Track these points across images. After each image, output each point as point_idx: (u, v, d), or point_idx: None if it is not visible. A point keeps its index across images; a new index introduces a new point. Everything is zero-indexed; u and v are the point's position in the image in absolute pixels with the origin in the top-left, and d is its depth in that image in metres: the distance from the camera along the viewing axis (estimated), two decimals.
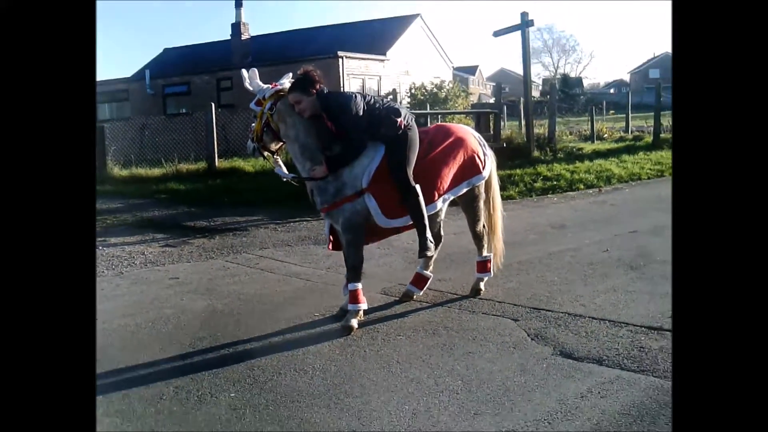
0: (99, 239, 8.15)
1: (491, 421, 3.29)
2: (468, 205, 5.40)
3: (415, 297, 5.49)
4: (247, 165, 13.88)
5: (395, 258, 6.91)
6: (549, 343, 4.34)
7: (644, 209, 9.35)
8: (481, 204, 5.41)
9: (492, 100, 21.05)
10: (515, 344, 4.35)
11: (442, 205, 5.15)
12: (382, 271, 6.36)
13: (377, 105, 4.91)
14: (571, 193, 11.48)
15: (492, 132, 14.56)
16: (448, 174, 5.07)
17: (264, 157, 5.15)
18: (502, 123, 16.68)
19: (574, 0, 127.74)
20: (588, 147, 16.63)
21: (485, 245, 5.54)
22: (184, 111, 25.60)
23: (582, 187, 11.85)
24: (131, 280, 6.42)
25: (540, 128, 16.89)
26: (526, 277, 5.96)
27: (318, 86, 4.80)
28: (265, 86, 4.96)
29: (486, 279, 5.58)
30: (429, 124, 15.63)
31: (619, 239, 7.38)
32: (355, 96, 4.83)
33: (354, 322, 4.81)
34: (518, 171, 12.46)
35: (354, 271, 4.94)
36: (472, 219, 5.44)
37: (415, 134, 4.94)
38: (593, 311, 4.91)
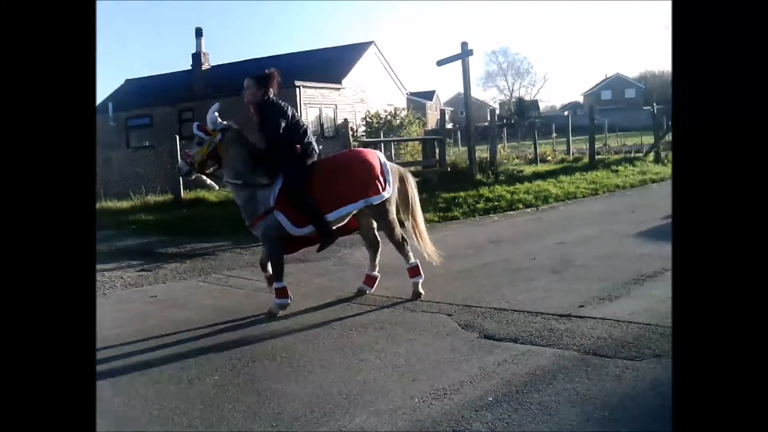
0: None
1: (426, 384, 4.19)
2: (377, 219, 6.44)
3: (367, 292, 6.58)
4: (211, 195, 14.67)
5: (348, 273, 7.79)
6: (475, 330, 5.28)
7: (574, 224, 10.42)
8: (390, 218, 6.39)
9: (450, 125, 22.03)
10: (448, 333, 5.28)
11: (333, 218, 6.18)
12: (336, 284, 7.27)
13: (300, 131, 6.23)
14: (510, 212, 12.52)
15: (437, 157, 15.59)
16: (345, 191, 6.13)
17: (199, 180, 6.35)
18: (448, 149, 17.65)
19: (527, 23, 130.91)
20: (529, 169, 17.77)
21: (409, 253, 6.50)
22: (147, 144, 25.86)
23: (521, 206, 12.91)
24: (115, 299, 7.22)
25: (484, 152, 17.93)
26: (462, 283, 6.91)
27: (270, 87, 6.14)
28: (213, 117, 6.15)
29: (421, 281, 6.50)
30: (382, 151, 16.63)
31: (546, 249, 8.39)
32: (284, 115, 6.11)
33: (278, 310, 6.07)
34: (462, 193, 13.48)
35: (277, 273, 6.18)
36: (386, 232, 6.44)
37: (308, 162, 6.21)
38: (515, 305, 5.86)
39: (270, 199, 6.06)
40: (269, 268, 6.37)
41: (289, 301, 6.19)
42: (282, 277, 6.19)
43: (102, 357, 5.08)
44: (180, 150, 14.48)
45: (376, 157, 6.45)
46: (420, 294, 6.42)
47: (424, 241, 6.68)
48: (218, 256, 9.52)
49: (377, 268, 6.67)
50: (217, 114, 6.19)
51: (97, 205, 14.61)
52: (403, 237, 6.50)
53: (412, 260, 6.51)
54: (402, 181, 6.56)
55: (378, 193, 6.21)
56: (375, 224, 6.54)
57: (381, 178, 6.26)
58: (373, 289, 6.65)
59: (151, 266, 8.96)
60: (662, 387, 3.85)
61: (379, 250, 6.70)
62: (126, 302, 7.07)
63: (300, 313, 6.12)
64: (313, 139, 6.39)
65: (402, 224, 6.66)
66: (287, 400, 4.08)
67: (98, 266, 8.94)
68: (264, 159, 6.17)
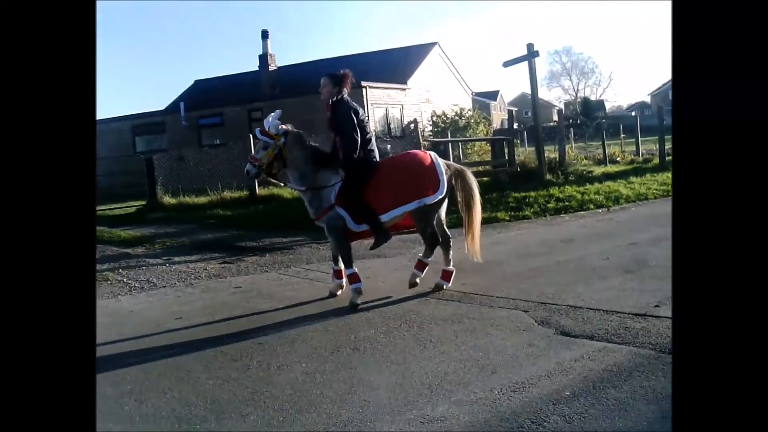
0: (164, 258, 9.40)
1: (505, 377, 4.35)
2: (420, 216, 6.67)
3: (444, 288, 6.80)
4: (285, 192, 15.05)
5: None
6: (552, 326, 5.41)
7: (646, 225, 10.37)
8: (431, 217, 6.73)
9: (515, 126, 22.00)
10: (525, 328, 5.42)
11: (388, 219, 6.54)
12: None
13: (365, 136, 6.64)
14: (581, 212, 12.51)
15: (507, 157, 15.65)
16: (401, 192, 6.50)
17: (266, 181, 6.70)
18: (516, 148, 17.66)
19: (591, 22, 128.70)
20: (598, 170, 17.64)
21: (431, 251, 6.93)
22: (218, 142, 26.37)
23: (592, 207, 12.88)
24: (201, 289, 7.58)
25: (554, 153, 17.89)
26: (537, 280, 7.02)
27: (344, 87, 6.58)
28: (275, 123, 6.59)
29: (445, 285, 6.85)
30: (449, 152, 16.81)
31: (619, 249, 8.42)
32: (356, 114, 6.54)
33: (358, 299, 6.42)
34: (532, 193, 13.55)
35: (346, 261, 6.63)
36: (422, 226, 6.77)
37: (368, 164, 6.61)
38: (590, 304, 5.96)
39: (332, 196, 6.51)
40: (340, 263, 6.78)
41: (362, 285, 6.58)
42: (352, 264, 6.61)
43: (194, 345, 5.43)
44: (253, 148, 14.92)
45: (429, 158, 6.72)
46: (415, 284, 6.88)
47: (475, 238, 6.94)
48: (296, 250, 9.83)
49: (451, 263, 6.90)
50: (278, 120, 6.64)
51: (176, 200, 15.17)
52: (434, 236, 6.84)
53: (429, 259, 6.98)
54: (461, 179, 6.85)
55: (432, 193, 6.52)
56: (432, 219, 6.78)
57: (435, 179, 6.55)
58: (450, 284, 6.84)
59: (232, 259, 9.33)
60: None
61: (451, 244, 6.93)
62: (212, 292, 7.43)
63: (380, 307, 6.37)
64: (374, 146, 6.78)
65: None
66: (372, 389, 4.29)
67: (183, 258, 9.37)
68: (326, 158, 6.67)
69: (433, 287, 6.84)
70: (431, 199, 6.52)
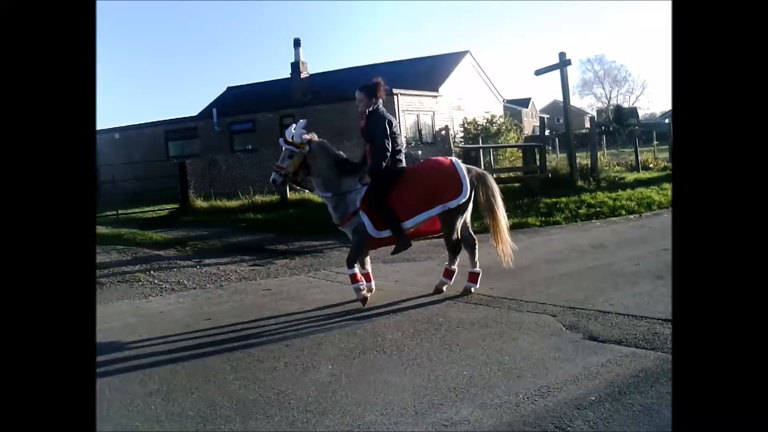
0: (195, 260, 9.49)
1: (530, 381, 4.33)
2: (444, 221, 6.75)
3: (472, 290, 6.85)
4: (315, 196, 15.08)
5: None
6: (580, 331, 5.37)
7: None
8: (456, 222, 6.77)
9: (547, 132, 21.95)
10: (552, 333, 5.39)
11: (412, 224, 6.68)
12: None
13: (396, 146, 6.75)
14: (613, 218, 12.42)
15: (538, 164, 15.60)
16: (425, 198, 6.63)
17: (291, 188, 6.76)
18: (547, 155, 17.60)
19: (623, 30, 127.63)
20: (630, 176, 17.46)
21: (455, 257, 6.96)
22: (250, 147, 26.66)
23: (624, 213, 12.76)
24: (231, 291, 7.65)
25: (586, 159, 17.79)
26: (566, 285, 6.98)
27: (379, 95, 6.74)
28: (301, 132, 6.74)
29: (446, 284, 7.00)
30: (481, 158, 16.80)
31: (650, 255, 8.33)
32: (390, 125, 6.66)
33: (357, 296, 6.65)
34: (563, 199, 13.47)
35: (351, 262, 6.70)
36: (447, 232, 6.81)
37: (394, 171, 6.70)
38: (620, 309, 5.91)
39: (357, 201, 6.61)
40: (367, 265, 6.97)
41: (362, 284, 6.70)
42: (354, 265, 6.72)
43: (222, 346, 5.48)
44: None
45: (451, 163, 6.87)
46: (441, 291, 6.97)
47: (503, 242, 6.98)
48: (325, 253, 9.88)
49: (477, 265, 6.92)
50: (303, 129, 6.77)
51: (207, 204, 15.31)
52: (458, 243, 6.90)
53: (454, 266, 7.01)
54: (482, 183, 6.89)
55: (455, 197, 6.62)
56: (457, 224, 6.80)
57: (458, 183, 6.66)
58: (477, 286, 6.85)
59: (262, 261, 9.40)
60: None
61: (476, 246, 6.97)
62: (242, 294, 7.48)
63: (408, 310, 6.39)
64: (403, 157, 6.88)
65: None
66: (397, 391, 4.29)
67: (214, 260, 9.46)
68: (349, 166, 6.80)
69: (461, 291, 6.84)
70: (454, 203, 6.61)
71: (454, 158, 7.09)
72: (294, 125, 6.80)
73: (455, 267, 6.97)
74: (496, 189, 6.97)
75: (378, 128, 6.63)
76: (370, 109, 6.72)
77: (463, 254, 6.95)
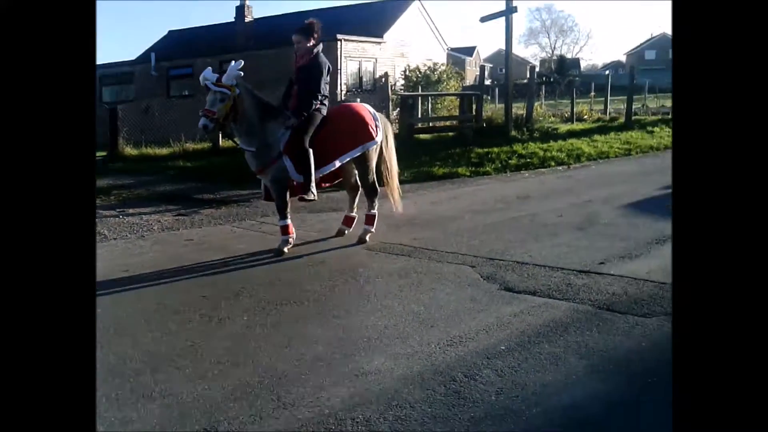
0: (119, 209, 9.27)
1: (443, 330, 4.39)
2: (360, 163, 6.95)
3: (369, 234, 7.10)
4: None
5: (378, 222, 7.96)
6: (497, 281, 5.45)
7: (603, 183, 10.48)
8: (372, 164, 7.04)
9: (489, 82, 21.97)
10: (470, 283, 5.46)
11: (339, 164, 6.86)
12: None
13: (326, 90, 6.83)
14: (542, 169, 12.58)
15: (474, 113, 15.63)
16: (344, 141, 6.80)
17: (225, 135, 6.62)
18: (485, 105, 17.67)
19: None
20: (564, 127, 17.68)
21: (374, 201, 7.16)
22: (186, 93, 26.04)
23: (553, 164, 12.95)
24: (152, 241, 7.51)
25: (522, 110, 17.90)
26: (488, 236, 7.06)
27: (316, 36, 6.68)
28: (235, 74, 6.44)
29: (370, 232, 7.11)
30: (418, 106, 16.76)
31: (574, 207, 8.49)
32: (328, 71, 6.75)
33: (285, 248, 6.64)
34: (495, 149, 13.54)
35: (281, 212, 6.75)
36: (363, 173, 7.02)
37: (318, 115, 6.73)
38: (538, 260, 6.01)
39: (281, 145, 6.58)
40: (353, 210, 7.25)
41: (293, 237, 6.78)
42: (286, 216, 6.76)
43: (138, 298, 5.39)
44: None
45: (363, 107, 7.20)
46: (365, 241, 7.01)
47: (393, 188, 7.31)
48: (252, 203, 9.76)
49: (356, 210, 7.29)
50: (239, 70, 6.46)
51: (137, 152, 14.96)
52: (375, 183, 7.15)
53: (374, 210, 7.18)
54: (385, 128, 7.18)
55: (372, 138, 6.90)
56: (372, 165, 7.03)
57: (372, 125, 6.93)
58: (374, 228, 7.11)
59: (187, 211, 9.24)
60: (667, 344, 4.00)
61: (378, 192, 7.20)
62: (163, 244, 7.35)
63: (329, 261, 6.38)
64: (326, 104, 6.93)
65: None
66: (311, 342, 4.30)
67: (137, 210, 9.28)
68: (272, 110, 6.73)
69: (359, 236, 7.07)
70: (372, 144, 6.91)
71: (366, 105, 7.34)
72: (231, 65, 6.48)
73: (375, 211, 7.11)
74: (391, 136, 7.32)
75: (317, 72, 6.66)
76: (313, 53, 6.69)
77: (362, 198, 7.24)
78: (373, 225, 7.10)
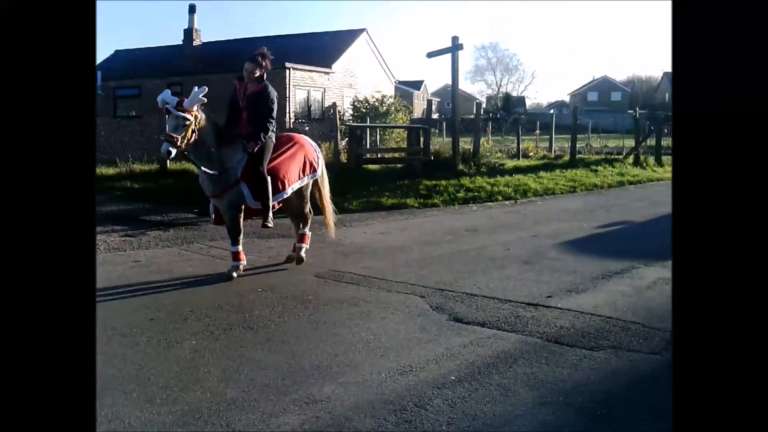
0: None
1: (393, 360, 4.41)
2: (299, 192, 7.14)
3: (303, 250, 7.29)
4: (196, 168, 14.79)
5: (327, 251, 7.99)
6: (446, 312, 5.50)
7: (549, 218, 10.68)
8: (308, 192, 7.33)
9: (436, 116, 22.22)
10: (419, 313, 5.50)
11: (290, 192, 6.98)
12: (315, 261, 7.43)
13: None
14: (489, 203, 12.76)
15: (422, 146, 15.79)
16: (293, 170, 6.90)
17: (183, 159, 6.58)
18: (433, 138, 17.87)
19: (518, 20, 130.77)
20: (511, 163, 18.00)
21: (308, 223, 7.38)
22: (134, 114, 25.70)
23: (500, 198, 13.15)
24: (99, 262, 7.34)
25: (469, 144, 18.16)
26: (437, 267, 7.12)
27: (266, 64, 6.79)
28: (200, 100, 6.39)
29: (304, 249, 7.27)
30: (367, 137, 16.88)
31: (521, 241, 8.63)
32: (275, 99, 6.90)
33: (235, 273, 6.66)
34: (443, 182, 13.68)
35: (234, 238, 6.80)
36: (301, 201, 7.23)
37: (271, 143, 6.85)
38: (486, 292, 6.09)
39: (238, 171, 6.60)
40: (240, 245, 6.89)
41: (244, 263, 6.83)
42: (239, 242, 6.81)
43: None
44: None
45: (309, 140, 7.49)
46: (302, 259, 7.19)
47: (328, 214, 7.70)
48: (201, 226, 9.67)
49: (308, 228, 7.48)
50: (203, 96, 6.38)
51: None
52: (310, 209, 7.44)
53: (307, 230, 7.37)
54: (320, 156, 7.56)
55: (315, 171, 7.24)
56: (308, 195, 7.33)
57: (315, 157, 7.26)
58: (307, 245, 7.38)
59: (134, 232, 9.12)
60: (615, 377, 4.12)
61: (309, 222, 7.42)
62: (109, 265, 7.22)
63: (278, 286, 6.35)
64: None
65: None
66: (260, 368, 4.27)
67: None
68: (228, 135, 6.74)
69: (296, 256, 7.22)
70: (315, 176, 7.27)
71: (303, 135, 7.76)
72: (195, 91, 6.35)
73: (308, 230, 7.32)
74: (323, 163, 7.63)
75: (269, 99, 6.77)
76: (263, 81, 6.81)
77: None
78: (307, 243, 7.29)
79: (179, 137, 6.22)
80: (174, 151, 6.32)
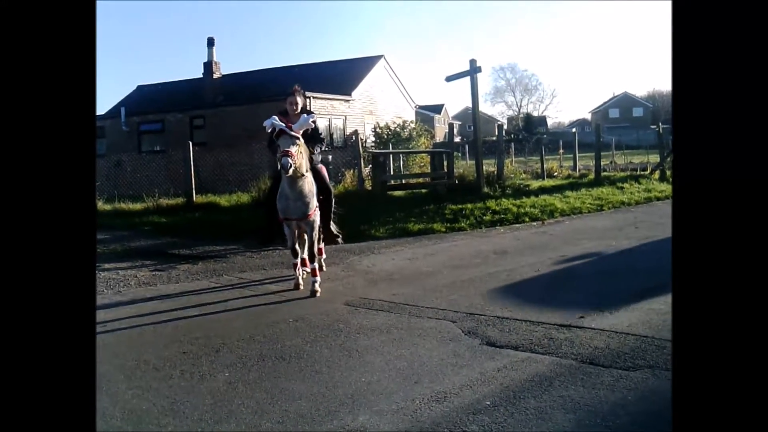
0: None
1: (427, 386, 4.37)
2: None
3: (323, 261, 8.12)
4: (222, 200, 14.93)
5: (357, 279, 7.98)
6: (478, 336, 5.46)
7: (578, 238, 10.60)
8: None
9: (458, 139, 22.28)
10: (451, 338, 5.46)
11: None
12: (344, 289, 7.45)
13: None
14: (516, 225, 12.69)
15: (446, 170, 15.79)
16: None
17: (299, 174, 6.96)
18: (456, 161, 17.87)
19: (536, 40, 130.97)
20: (536, 184, 17.93)
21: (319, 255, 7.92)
22: (158, 148, 26.08)
23: (527, 219, 13.07)
24: (129, 297, 7.43)
25: (493, 167, 18.13)
26: (467, 291, 7.08)
27: (305, 95, 7.64)
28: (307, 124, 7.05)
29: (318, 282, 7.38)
30: (390, 163, 16.90)
31: (550, 262, 8.56)
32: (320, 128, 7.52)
33: (317, 287, 7.20)
34: (469, 205, 13.63)
35: (313, 256, 7.35)
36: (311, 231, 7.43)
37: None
38: (518, 314, 6.04)
39: (315, 200, 7.24)
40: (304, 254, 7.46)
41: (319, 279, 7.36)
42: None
43: (117, 354, 5.31)
44: (192, 155, 14.78)
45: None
46: (317, 292, 7.22)
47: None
48: (229, 258, 9.73)
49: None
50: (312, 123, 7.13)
51: (111, 207, 14.87)
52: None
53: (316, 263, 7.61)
54: None
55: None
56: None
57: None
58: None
59: (164, 266, 9.19)
60: (653, 397, 4.04)
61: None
62: (141, 300, 7.27)
63: (309, 315, 6.34)
64: None
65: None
66: (294, 399, 4.26)
67: (113, 265, 9.20)
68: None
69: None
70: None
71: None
72: (305, 116, 7.00)
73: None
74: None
75: (317, 128, 7.46)
76: (307, 110, 7.57)
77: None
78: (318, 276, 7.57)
79: (296, 155, 6.70)
80: (294, 166, 6.69)
